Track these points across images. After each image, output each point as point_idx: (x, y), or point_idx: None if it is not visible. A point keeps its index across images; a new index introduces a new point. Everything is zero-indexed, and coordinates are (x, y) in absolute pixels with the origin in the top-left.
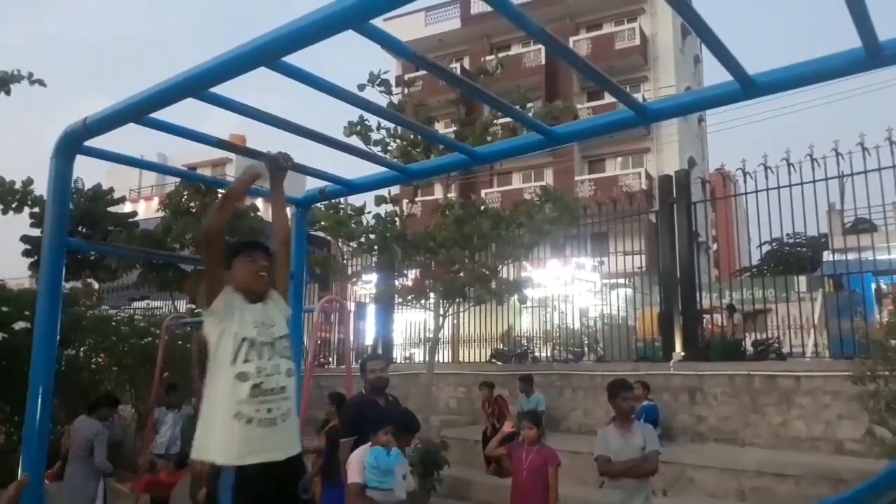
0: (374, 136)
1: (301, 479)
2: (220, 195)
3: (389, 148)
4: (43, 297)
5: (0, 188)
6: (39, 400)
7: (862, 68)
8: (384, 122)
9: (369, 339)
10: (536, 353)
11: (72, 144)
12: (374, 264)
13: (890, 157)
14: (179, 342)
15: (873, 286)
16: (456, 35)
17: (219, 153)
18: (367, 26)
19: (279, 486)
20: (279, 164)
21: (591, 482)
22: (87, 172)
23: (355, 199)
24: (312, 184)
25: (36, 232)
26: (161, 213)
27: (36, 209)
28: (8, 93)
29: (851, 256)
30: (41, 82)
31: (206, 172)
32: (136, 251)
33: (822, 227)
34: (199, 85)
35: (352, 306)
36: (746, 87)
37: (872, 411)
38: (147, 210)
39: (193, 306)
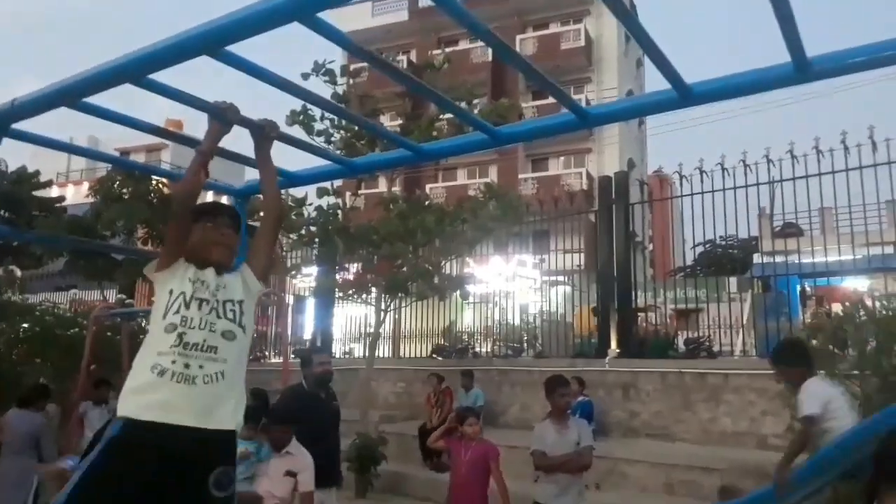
0: (318, 126)
1: (219, 467)
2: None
3: (333, 139)
4: None
5: None
6: None
7: (792, 82)
8: (328, 113)
9: (308, 333)
10: (477, 349)
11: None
12: (314, 257)
13: (817, 165)
14: (108, 334)
15: (799, 288)
16: (403, 27)
17: (154, 139)
18: (313, 18)
19: (178, 462)
20: (265, 134)
21: (527, 476)
22: (12, 154)
23: (296, 191)
24: (252, 174)
25: None
26: (91, 199)
27: None
28: None
29: (779, 259)
30: None
31: (140, 157)
32: (70, 240)
33: (754, 230)
34: (137, 71)
35: (290, 299)
36: (684, 95)
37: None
38: (76, 195)
39: (124, 296)
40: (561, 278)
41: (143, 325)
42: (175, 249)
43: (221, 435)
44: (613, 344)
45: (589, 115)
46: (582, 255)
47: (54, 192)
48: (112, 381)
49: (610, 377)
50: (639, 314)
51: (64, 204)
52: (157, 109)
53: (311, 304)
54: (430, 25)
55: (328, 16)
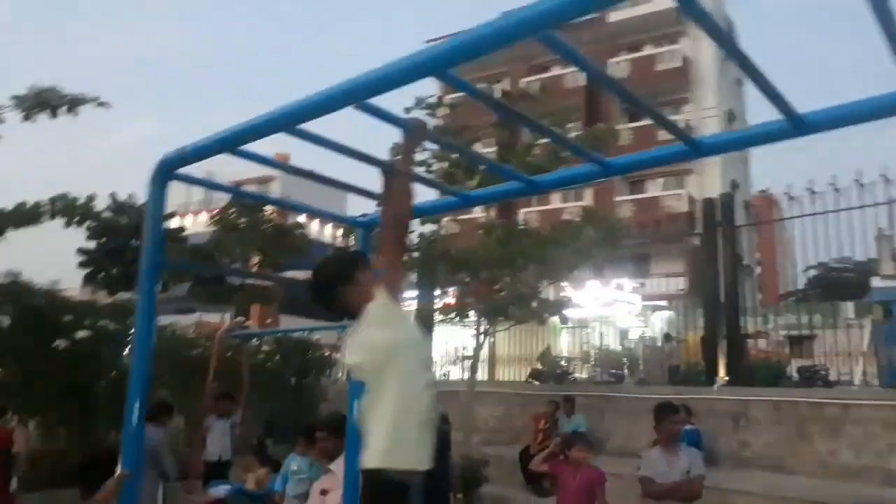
0: (418, 156)
1: None
2: (402, 176)
3: (433, 169)
4: (141, 313)
5: (63, 204)
6: (137, 404)
7: None
8: (428, 143)
9: None
10: (576, 374)
11: (167, 171)
12: (413, 281)
13: None
14: (229, 353)
15: None
16: (494, 55)
17: (265, 170)
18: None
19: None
20: (419, 135)
21: None
22: (138, 188)
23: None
24: (353, 204)
25: (91, 244)
26: (210, 228)
27: (92, 223)
28: (76, 114)
29: None
30: (105, 104)
31: (252, 188)
32: (232, 272)
33: (870, 252)
34: (291, 122)
35: None
36: (797, 124)
37: None
38: (194, 224)
39: (242, 318)
40: (664, 303)
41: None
42: (402, 278)
43: None
44: (722, 371)
45: (702, 146)
46: (685, 279)
47: (175, 221)
48: (233, 395)
49: (719, 405)
50: (748, 340)
51: (185, 234)
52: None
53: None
54: (521, 53)
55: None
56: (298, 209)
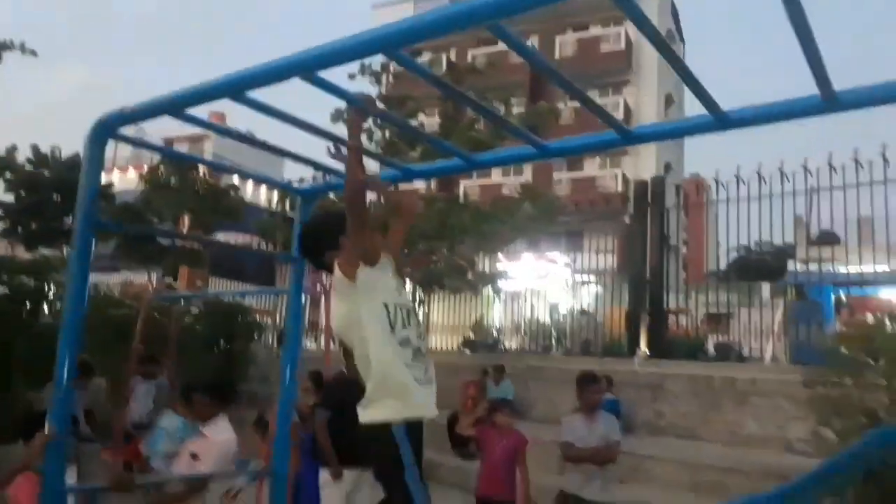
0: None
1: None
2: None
3: (375, 138)
4: (73, 274)
5: None
6: (66, 364)
7: (819, 112)
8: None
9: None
10: (507, 344)
11: (106, 130)
12: None
13: (855, 175)
14: (156, 315)
15: (833, 297)
16: None
17: (198, 129)
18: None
19: (419, 440)
20: (367, 111)
21: (553, 469)
22: (66, 141)
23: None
24: (291, 168)
25: (9, 198)
26: (138, 186)
27: (11, 176)
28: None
29: (814, 268)
30: (33, 52)
31: (184, 147)
32: (165, 233)
33: (789, 237)
34: (239, 88)
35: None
36: (720, 120)
37: (820, 413)
38: (122, 181)
39: (171, 280)
40: (593, 278)
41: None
42: (363, 252)
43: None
44: (643, 345)
45: (632, 135)
46: (614, 256)
47: (102, 177)
48: (159, 358)
49: (638, 377)
50: (669, 316)
51: (113, 190)
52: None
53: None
54: None
55: (373, 20)
56: (240, 174)
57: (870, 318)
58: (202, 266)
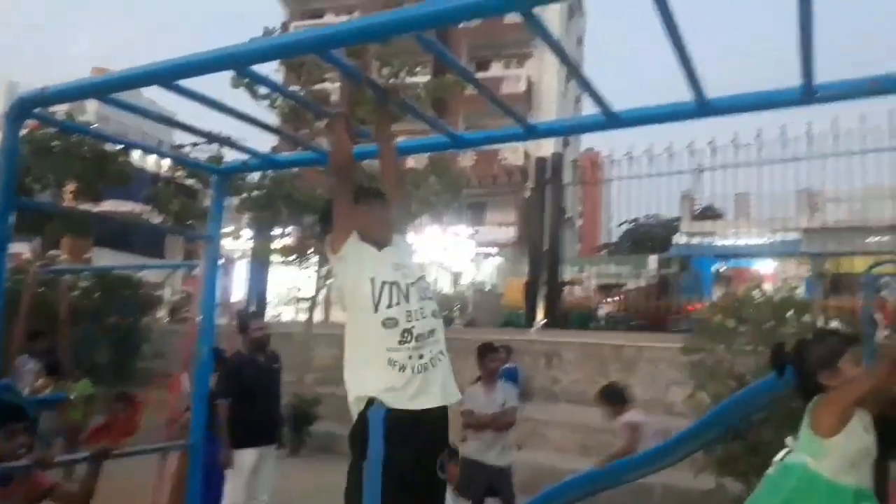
0: (264, 90)
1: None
2: (331, 121)
3: (277, 104)
4: None
5: None
6: None
7: (692, 116)
8: (274, 75)
9: (235, 296)
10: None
11: (25, 109)
12: (248, 219)
13: (734, 156)
14: (42, 289)
15: (713, 268)
16: None
17: None
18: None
19: (430, 433)
20: (387, 100)
21: (456, 436)
22: None
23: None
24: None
25: None
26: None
27: None
28: None
29: (697, 240)
30: None
31: (63, 107)
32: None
33: (676, 211)
34: (167, 77)
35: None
36: (611, 119)
37: (696, 378)
38: None
39: (57, 253)
40: (495, 251)
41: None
42: (349, 223)
43: (446, 412)
44: (540, 315)
45: (536, 129)
46: (516, 228)
47: None
48: (46, 333)
49: (535, 346)
50: (565, 287)
51: None
52: (76, 51)
53: (241, 267)
54: None
55: None
56: (145, 149)
57: (742, 288)
58: (87, 236)
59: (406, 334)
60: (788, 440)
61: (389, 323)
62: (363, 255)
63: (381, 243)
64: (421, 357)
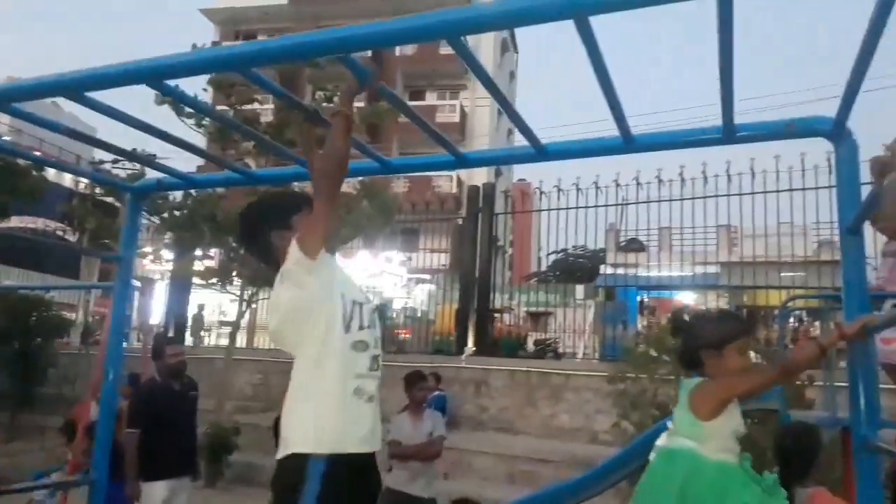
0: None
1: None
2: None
3: (204, 123)
4: None
5: None
6: None
7: (618, 152)
8: (202, 93)
9: (154, 319)
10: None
11: None
12: (168, 240)
13: (657, 191)
14: None
15: (638, 298)
16: (281, 11)
17: None
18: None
19: (365, 483)
20: (368, 84)
21: (381, 466)
22: None
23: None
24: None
25: None
26: None
27: None
28: None
29: (622, 271)
30: None
31: None
32: None
33: (603, 242)
34: (76, 88)
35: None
36: (539, 151)
37: (620, 407)
38: None
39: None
40: (427, 277)
41: None
42: (328, 232)
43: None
44: (470, 342)
45: (466, 159)
46: (449, 255)
47: None
48: None
49: (464, 373)
50: (495, 315)
51: None
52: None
53: (160, 289)
54: (309, 13)
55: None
56: (61, 168)
57: (665, 319)
58: None
59: (374, 361)
60: (668, 423)
61: (360, 346)
62: (333, 267)
63: (332, 253)
64: (377, 389)
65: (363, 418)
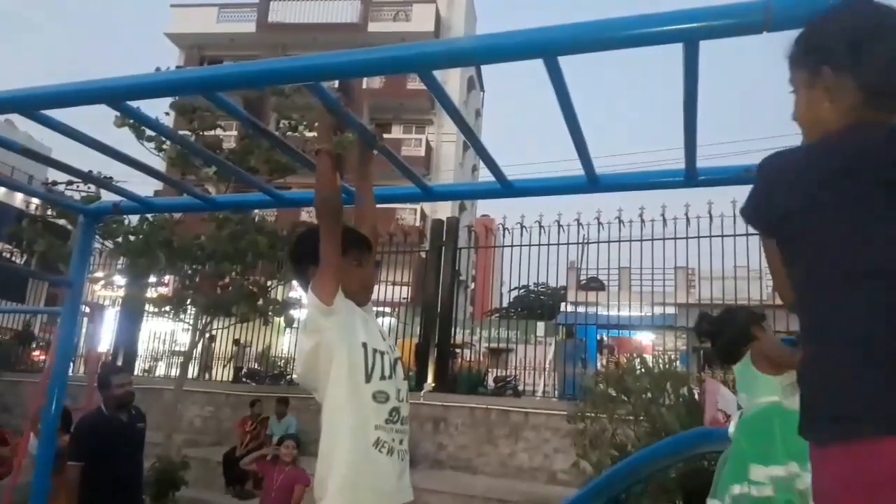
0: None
1: None
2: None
3: (164, 147)
4: None
5: None
6: None
7: (585, 191)
8: (164, 117)
9: (103, 347)
10: (294, 376)
11: None
12: (120, 266)
13: (618, 232)
14: None
15: (597, 337)
16: (249, 39)
17: None
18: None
19: None
20: (374, 143)
21: None
22: None
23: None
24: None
25: None
26: None
27: None
28: None
29: (582, 309)
30: None
31: None
32: None
33: (563, 280)
34: (32, 106)
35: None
36: (506, 187)
37: (579, 446)
38: None
39: None
40: (388, 310)
41: None
42: (338, 273)
43: None
44: (430, 378)
45: (433, 192)
46: (409, 288)
47: None
48: None
49: (424, 410)
50: (455, 350)
51: None
52: None
53: (110, 316)
54: (278, 40)
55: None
56: (8, 186)
57: (624, 358)
58: None
59: (394, 413)
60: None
61: (381, 397)
62: (354, 313)
63: (361, 305)
64: (401, 443)
65: (382, 470)
